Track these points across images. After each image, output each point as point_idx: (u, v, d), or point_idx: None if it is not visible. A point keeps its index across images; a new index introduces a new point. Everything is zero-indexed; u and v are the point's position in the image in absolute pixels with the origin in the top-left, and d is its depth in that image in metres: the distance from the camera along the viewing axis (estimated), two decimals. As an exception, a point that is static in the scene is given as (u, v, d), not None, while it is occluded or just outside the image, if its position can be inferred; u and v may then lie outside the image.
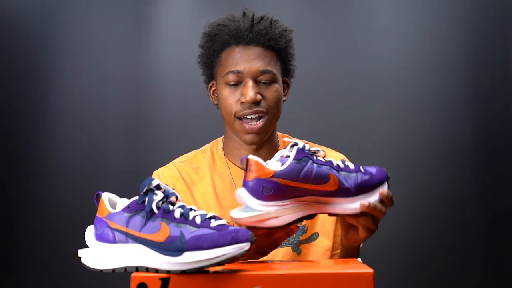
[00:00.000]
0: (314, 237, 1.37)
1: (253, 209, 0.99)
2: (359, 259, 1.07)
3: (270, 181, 0.99)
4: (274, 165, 1.02)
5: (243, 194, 1.00)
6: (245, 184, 1.01)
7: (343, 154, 1.45)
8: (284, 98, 1.41)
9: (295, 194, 1.01)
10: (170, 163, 1.46)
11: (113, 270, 0.89)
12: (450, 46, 2.60)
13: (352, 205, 1.05)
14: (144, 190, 0.90)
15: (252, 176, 1.00)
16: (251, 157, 1.01)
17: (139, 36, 2.66)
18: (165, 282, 0.85)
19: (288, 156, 1.02)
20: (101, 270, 0.89)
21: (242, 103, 1.31)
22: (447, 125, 2.56)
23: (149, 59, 2.65)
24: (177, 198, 0.92)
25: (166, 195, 0.90)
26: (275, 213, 1.00)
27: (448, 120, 2.57)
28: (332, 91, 2.59)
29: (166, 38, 2.65)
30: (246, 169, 1.01)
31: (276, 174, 0.99)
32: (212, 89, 1.43)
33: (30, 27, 2.62)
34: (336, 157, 1.41)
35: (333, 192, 1.03)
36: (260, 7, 1.43)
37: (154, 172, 1.43)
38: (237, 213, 1.00)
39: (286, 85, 1.43)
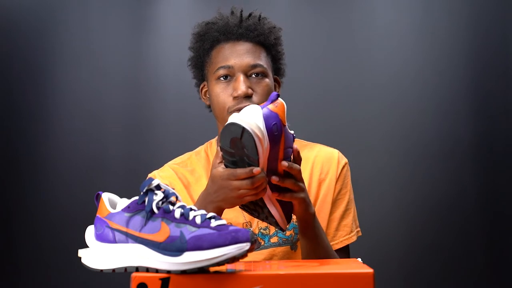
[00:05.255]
0: None
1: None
2: (359, 259, 1.07)
3: (281, 124, 1.04)
4: None
5: (257, 110, 1.03)
6: (263, 107, 1.04)
7: (341, 153, 1.45)
8: None
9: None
10: (165, 165, 1.45)
11: (113, 270, 0.89)
12: (450, 46, 2.60)
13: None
14: (144, 190, 0.90)
15: (274, 109, 1.04)
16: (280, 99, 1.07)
17: (139, 36, 2.65)
18: (165, 282, 0.85)
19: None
20: (101, 270, 0.89)
21: (234, 97, 1.31)
22: (447, 125, 2.56)
23: (149, 59, 2.64)
24: (177, 198, 0.92)
25: (166, 195, 0.90)
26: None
27: (448, 120, 2.56)
28: (332, 91, 2.59)
29: (166, 38, 2.64)
30: (271, 101, 1.05)
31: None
32: (204, 90, 1.43)
33: (30, 27, 2.62)
34: (330, 153, 1.41)
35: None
36: (260, 6, 1.43)
37: (149, 175, 1.42)
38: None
39: (277, 83, 1.43)
